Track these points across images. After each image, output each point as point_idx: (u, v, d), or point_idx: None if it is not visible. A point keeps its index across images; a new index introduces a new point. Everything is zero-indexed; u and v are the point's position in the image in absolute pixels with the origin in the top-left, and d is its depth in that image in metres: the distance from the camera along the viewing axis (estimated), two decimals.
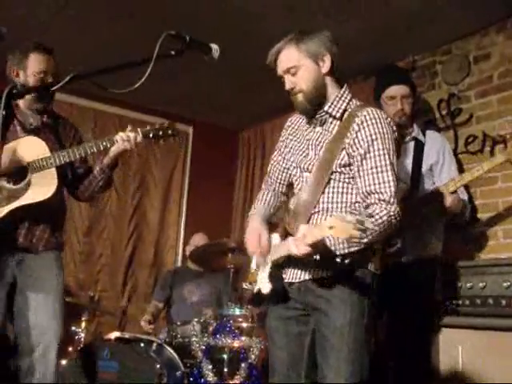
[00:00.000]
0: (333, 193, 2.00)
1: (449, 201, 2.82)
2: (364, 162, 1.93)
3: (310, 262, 1.95)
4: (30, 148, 2.52)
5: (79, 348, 3.61)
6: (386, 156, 1.92)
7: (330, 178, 1.99)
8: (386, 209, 1.87)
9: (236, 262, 3.67)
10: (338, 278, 1.94)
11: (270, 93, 4.66)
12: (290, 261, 2.02)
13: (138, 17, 3.71)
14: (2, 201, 2.45)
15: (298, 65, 2.02)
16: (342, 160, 1.97)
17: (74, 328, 3.77)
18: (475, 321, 2.60)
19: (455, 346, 2.63)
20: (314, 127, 2.11)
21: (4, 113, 1.49)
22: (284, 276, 2.07)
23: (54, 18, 3.74)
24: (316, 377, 1.99)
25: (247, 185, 5.58)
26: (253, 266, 2.16)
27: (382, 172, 1.90)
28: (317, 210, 2.00)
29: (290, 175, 2.21)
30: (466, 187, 3.15)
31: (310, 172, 2.06)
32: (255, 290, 2.09)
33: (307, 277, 1.98)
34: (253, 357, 3.28)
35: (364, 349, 1.92)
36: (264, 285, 2.03)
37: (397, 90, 3.08)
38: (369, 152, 1.92)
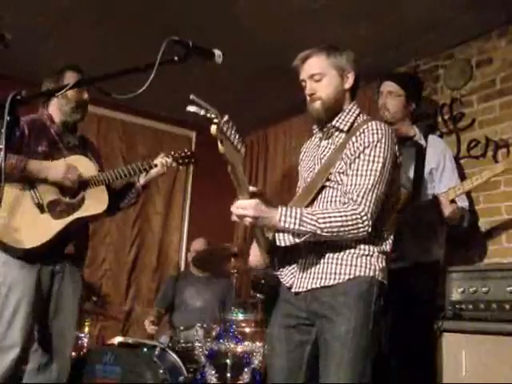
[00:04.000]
0: (325, 202, 2.02)
1: (448, 211, 2.85)
2: (352, 165, 1.96)
3: (317, 270, 1.98)
4: (82, 166, 2.78)
5: (82, 352, 3.62)
6: (373, 164, 1.93)
7: (324, 185, 2.01)
8: (353, 207, 1.89)
9: (239, 267, 3.67)
10: (344, 286, 1.94)
11: (273, 97, 4.68)
12: (296, 270, 2.05)
13: (140, 22, 3.73)
14: (63, 213, 2.68)
15: (323, 73, 2.06)
16: (338, 168, 1.99)
17: (77, 333, 3.77)
18: (479, 325, 2.59)
19: (459, 351, 2.63)
20: (320, 141, 2.15)
21: (9, 118, 1.50)
22: (288, 285, 2.07)
23: (57, 25, 3.76)
24: None
25: None
26: None
27: (361, 176, 1.92)
28: None
29: None
30: (468, 192, 3.14)
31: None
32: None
33: (314, 286, 1.99)
34: (256, 361, 3.28)
35: (366, 356, 1.91)
36: None
37: (384, 85, 3.15)
38: (358, 157, 1.95)
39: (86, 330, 3.84)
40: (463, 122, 3.64)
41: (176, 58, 1.70)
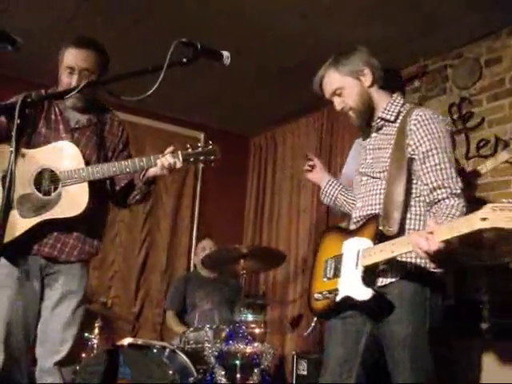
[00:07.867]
0: (408, 189, 2.03)
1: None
2: (427, 160, 1.99)
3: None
4: (65, 155, 2.35)
5: (92, 354, 3.63)
6: (446, 154, 1.98)
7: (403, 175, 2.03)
8: (460, 202, 1.92)
9: (248, 268, 3.67)
10: (398, 286, 1.95)
11: (281, 98, 4.68)
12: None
13: (149, 24, 3.74)
14: (32, 210, 2.30)
15: (340, 86, 2.13)
16: (409, 157, 2.02)
17: (87, 334, 3.78)
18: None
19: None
20: (370, 134, 2.19)
21: (19, 121, 1.50)
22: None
23: (64, 28, 3.78)
24: (364, 380, 2.02)
25: (259, 190, 5.59)
26: (326, 273, 2.11)
27: (445, 169, 1.97)
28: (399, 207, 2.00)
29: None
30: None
31: (367, 175, 2.13)
32: (338, 299, 2.01)
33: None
34: (265, 362, 3.28)
35: (428, 356, 1.93)
36: (358, 291, 1.92)
37: None
38: (430, 150, 1.98)
39: (96, 331, 3.85)
40: (472, 122, 3.62)
41: (184, 60, 1.70)
